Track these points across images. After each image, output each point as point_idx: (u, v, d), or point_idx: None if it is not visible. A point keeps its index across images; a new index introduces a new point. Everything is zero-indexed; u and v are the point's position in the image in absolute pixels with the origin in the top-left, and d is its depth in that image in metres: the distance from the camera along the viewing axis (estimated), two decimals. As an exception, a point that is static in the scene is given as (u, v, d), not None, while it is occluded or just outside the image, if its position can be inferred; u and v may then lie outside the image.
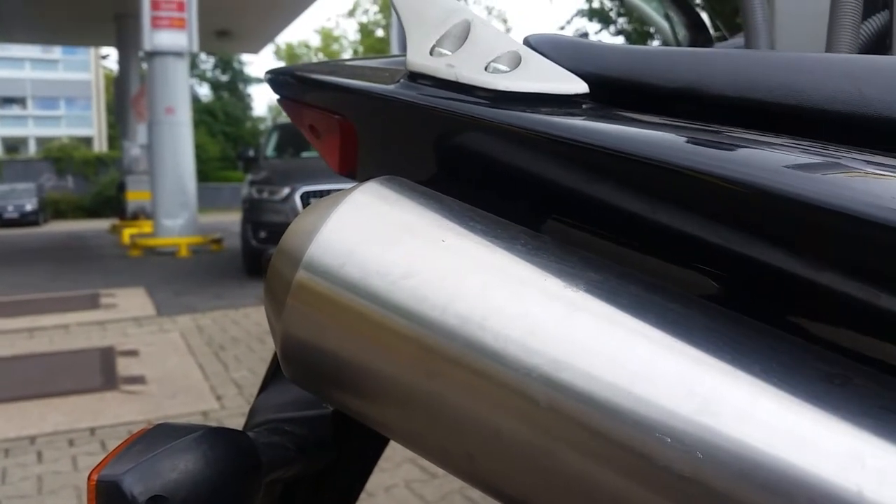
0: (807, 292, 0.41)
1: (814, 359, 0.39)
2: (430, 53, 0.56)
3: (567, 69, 0.53)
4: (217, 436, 0.50)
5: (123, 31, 13.34)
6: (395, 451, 2.59)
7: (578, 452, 0.39)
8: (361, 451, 0.74)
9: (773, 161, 0.41)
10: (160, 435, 0.48)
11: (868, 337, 0.40)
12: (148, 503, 0.44)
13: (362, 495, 2.26)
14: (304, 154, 8.03)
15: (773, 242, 0.41)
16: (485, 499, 1.89)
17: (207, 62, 36.95)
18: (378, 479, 2.40)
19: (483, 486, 0.46)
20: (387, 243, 0.47)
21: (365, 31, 29.35)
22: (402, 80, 0.58)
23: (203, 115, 33.02)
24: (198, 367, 3.82)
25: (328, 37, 33.59)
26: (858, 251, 0.38)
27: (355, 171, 0.66)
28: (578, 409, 0.39)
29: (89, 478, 0.45)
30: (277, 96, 0.72)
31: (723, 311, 0.43)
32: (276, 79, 0.71)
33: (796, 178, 0.39)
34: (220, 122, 34.92)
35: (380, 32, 27.95)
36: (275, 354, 0.60)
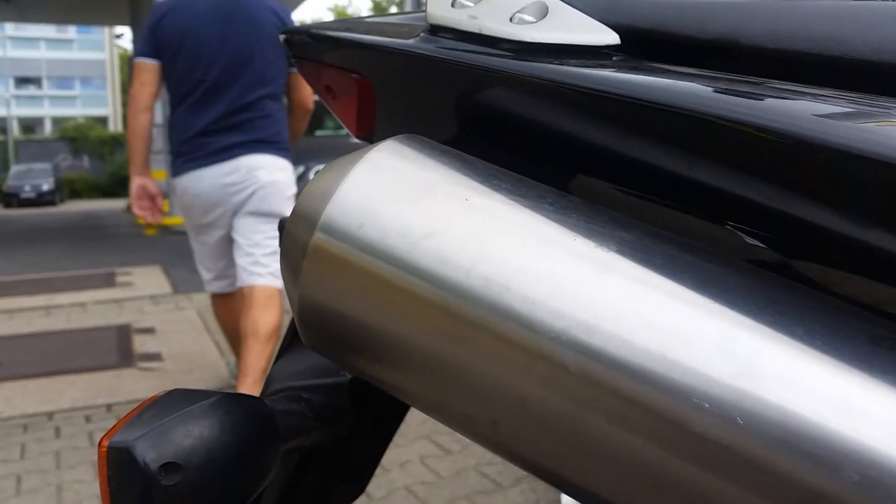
0: (852, 252, 0.39)
1: (860, 321, 0.37)
2: (452, 5, 0.54)
3: (597, 20, 0.51)
4: (233, 402, 0.48)
5: (137, 10, 13.32)
6: (409, 427, 2.59)
7: (609, 419, 0.38)
8: (380, 419, 0.73)
9: (818, 111, 0.39)
10: (174, 401, 0.47)
11: None
12: (160, 470, 0.43)
13: (378, 470, 2.26)
14: (319, 132, 8.02)
15: (818, 199, 0.39)
16: (500, 474, 1.90)
17: (221, 41, 36.93)
18: (393, 455, 2.40)
19: (507, 454, 0.45)
20: (407, 202, 0.45)
21: (379, 8, 29.23)
22: (422, 35, 0.56)
23: (217, 94, 33.04)
24: (214, 345, 3.83)
25: (342, 14, 33.49)
26: None
27: (373, 133, 0.64)
28: (610, 374, 0.37)
29: (100, 444, 0.44)
30: (293, 57, 0.70)
31: (762, 271, 0.41)
32: (291, 39, 0.69)
33: (843, 129, 0.37)
34: (234, 101, 34.94)
35: (394, 10, 27.83)
36: (292, 320, 0.59)
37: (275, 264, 2.48)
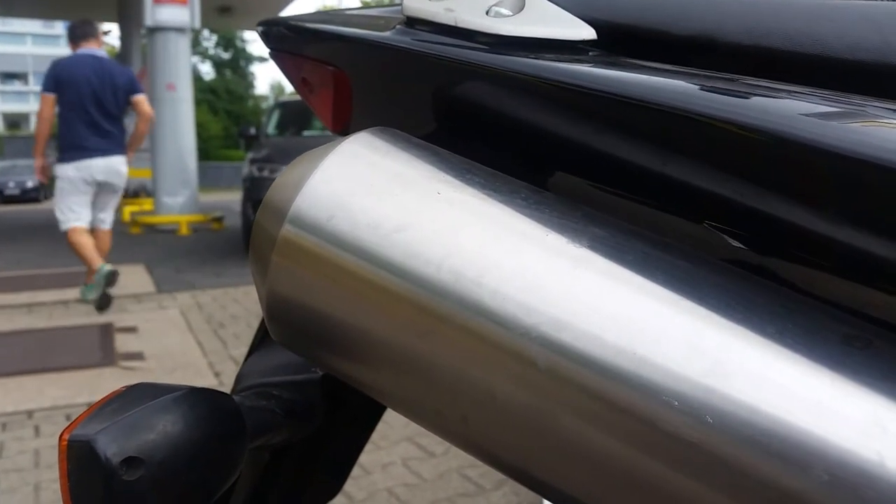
0: (826, 250, 0.39)
1: (832, 320, 0.37)
2: None
3: (573, 14, 0.50)
4: (198, 396, 0.47)
5: (125, 6, 13.26)
6: (392, 429, 2.58)
7: (578, 417, 0.37)
8: (354, 418, 0.72)
9: (794, 109, 0.39)
10: (138, 394, 0.46)
11: (891, 297, 0.37)
12: (122, 465, 0.42)
13: (358, 472, 2.25)
14: (306, 132, 8.00)
15: (792, 196, 0.39)
16: (483, 477, 1.89)
17: (210, 40, 36.84)
18: (375, 457, 2.39)
19: (477, 452, 0.44)
20: (378, 195, 0.44)
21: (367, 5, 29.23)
22: (398, 27, 0.56)
23: (206, 93, 32.98)
24: (196, 344, 3.81)
25: (331, 15, 33.36)
26: (884, 205, 0.36)
27: (350, 126, 0.64)
28: (579, 370, 0.37)
29: (61, 438, 0.43)
30: (269, 49, 0.69)
31: (735, 269, 0.41)
32: (268, 31, 0.68)
33: (818, 126, 0.37)
34: (223, 100, 34.89)
35: (383, 11, 27.81)
36: (263, 316, 0.58)
37: (111, 215, 4.87)
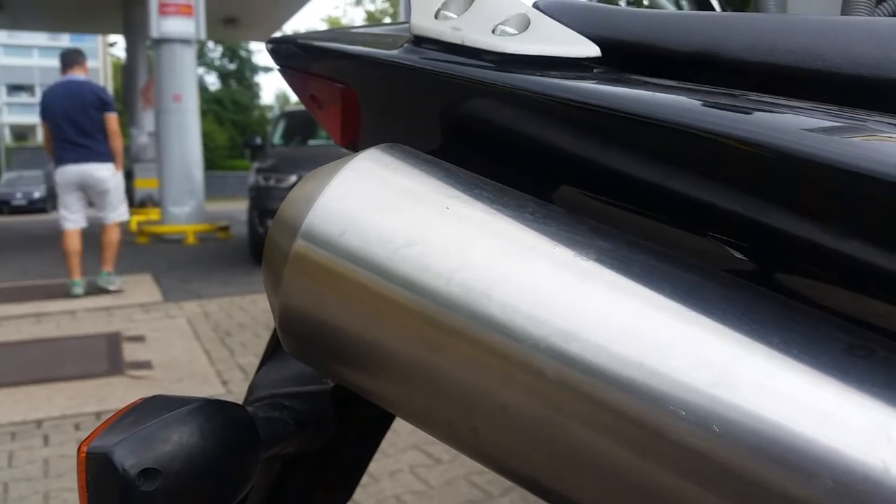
0: (828, 261, 0.39)
1: (835, 330, 0.37)
2: (436, 17, 0.54)
3: (578, 32, 0.51)
4: (213, 408, 0.48)
5: (131, 19, 13.32)
6: (399, 437, 2.59)
7: (587, 427, 0.38)
8: (364, 428, 0.73)
9: (797, 123, 0.39)
10: (154, 406, 0.47)
11: (892, 307, 0.38)
12: (139, 476, 0.43)
13: (367, 479, 2.24)
14: (312, 142, 8.02)
15: (794, 208, 0.40)
16: (490, 483, 1.88)
17: (215, 51, 36.99)
18: (383, 464, 2.39)
19: (488, 462, 0.45)
20: (389, 211, 0.45)
21: (372, 19, 29.31)
22: (405, 45, 0.57)
23: (211, 103, 33.11)
24: (204, 353, 3.82)
25: (336, 25, 33.50)
26: (885, 217, 0.36)
27: (357, 141, 0.65)
28: (588, 381, 0.37)
29: (79, 449, 0.43)
30: (278, 66, 0.70)
31: (739, 281, 0.41)
32: (277, 48, 0.70)
33: (821, 140, 0.37)
34: (229, 110, 35.01)
35: (388, 21, 27.85)
36: (275, 328, 0.59)
37: (111, 212, 5.56)
